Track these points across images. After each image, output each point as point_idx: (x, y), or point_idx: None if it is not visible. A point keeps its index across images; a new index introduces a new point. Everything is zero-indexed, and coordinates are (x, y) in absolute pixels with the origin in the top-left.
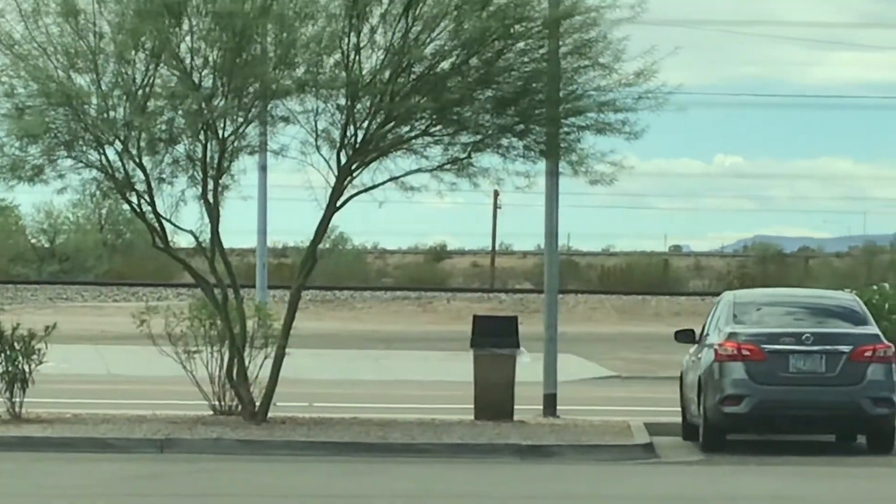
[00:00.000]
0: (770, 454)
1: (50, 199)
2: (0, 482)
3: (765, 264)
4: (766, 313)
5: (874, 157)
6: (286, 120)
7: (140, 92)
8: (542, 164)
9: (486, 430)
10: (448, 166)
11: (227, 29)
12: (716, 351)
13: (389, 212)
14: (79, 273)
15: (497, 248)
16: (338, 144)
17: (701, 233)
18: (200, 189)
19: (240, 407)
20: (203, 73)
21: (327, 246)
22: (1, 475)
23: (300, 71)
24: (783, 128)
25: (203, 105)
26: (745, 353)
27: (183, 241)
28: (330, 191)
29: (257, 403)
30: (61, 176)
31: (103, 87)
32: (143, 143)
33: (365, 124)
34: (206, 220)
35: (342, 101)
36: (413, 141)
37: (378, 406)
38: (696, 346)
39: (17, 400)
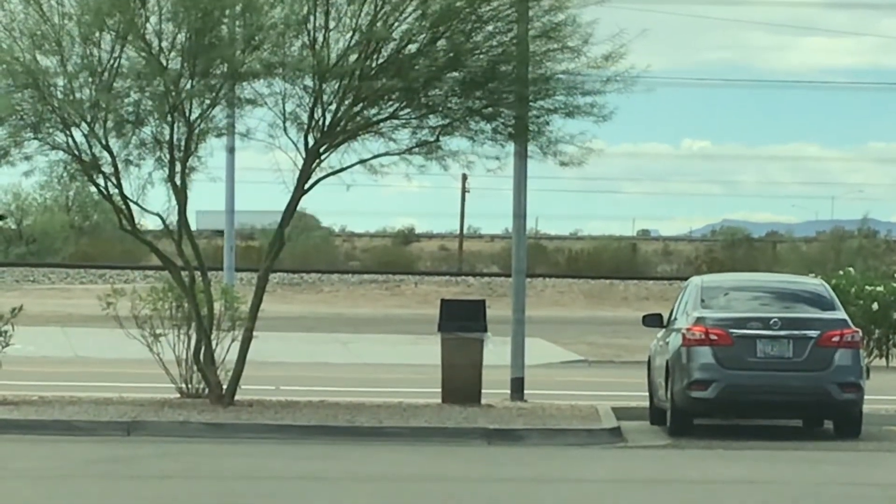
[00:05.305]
0: (737, 439)
1: (18, 181)
2: None
3: (733, 249)
4: (733, 298)
5: (842, 142)
6: (253, 102)
7: (106, 73)
8: (511, 147)
9: (453, 413)
10: (417, 149)
11: (193, 9)
12: (683, 335)
13: (357, 195)
14: (46, 255)
15: (465, 231)
16: (305, 127)
17: (669, 217)
18: (167, 171)
19: (207, 390)
20: (170, 55)
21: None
22: None
23: (266, 52)
24: (751, 112)
25: (170, 87)
26: (713, 337)
27: (150, 223)
28: (298, 173)
29: (224, 386)
30: (28, 158)
31: (69, 69)
32: (109, 125)
33: (333, 106)
34: (174, 202)
35: (309, 83)
36: (381, 124)
37: (345, 389)
38: (663, 330)
39: None
